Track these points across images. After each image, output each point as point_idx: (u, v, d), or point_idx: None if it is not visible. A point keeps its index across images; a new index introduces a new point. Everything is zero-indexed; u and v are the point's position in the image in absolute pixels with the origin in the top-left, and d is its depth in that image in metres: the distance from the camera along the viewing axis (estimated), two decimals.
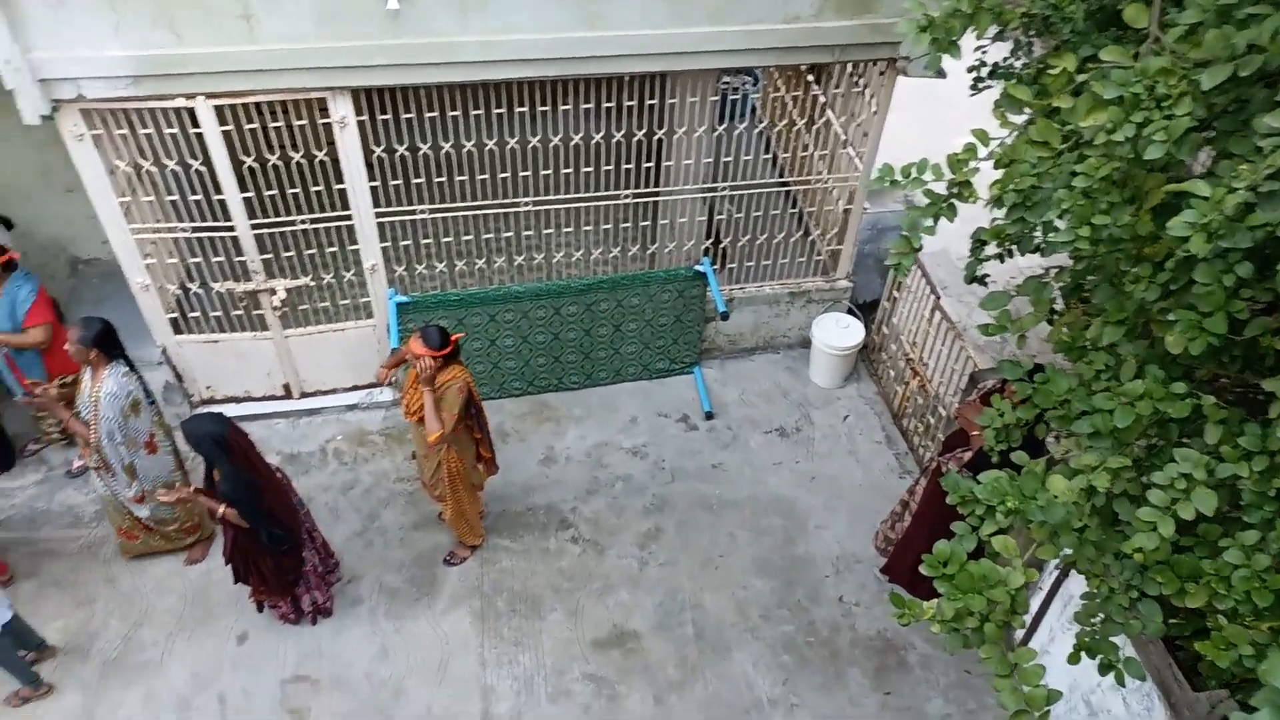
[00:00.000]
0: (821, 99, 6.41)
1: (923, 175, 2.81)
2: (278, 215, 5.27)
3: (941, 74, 5.14)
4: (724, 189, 6.00)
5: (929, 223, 2.87)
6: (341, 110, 4.91)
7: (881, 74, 5.59)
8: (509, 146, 5.50)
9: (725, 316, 5.89)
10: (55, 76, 4.45)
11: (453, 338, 4.54)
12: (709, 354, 6.70)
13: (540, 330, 6.06)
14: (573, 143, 5.57)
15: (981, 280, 3.58)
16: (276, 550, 4.56)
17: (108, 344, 4.55)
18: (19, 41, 4.26)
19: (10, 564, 5.22)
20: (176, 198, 5.18)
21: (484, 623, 5.14)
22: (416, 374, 4.55)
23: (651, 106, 5.51)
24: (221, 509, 4.34)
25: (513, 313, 5.93)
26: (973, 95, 4.81)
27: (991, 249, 3.46)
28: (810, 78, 6.52)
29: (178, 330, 5.68)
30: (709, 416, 6.31)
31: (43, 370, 5.24)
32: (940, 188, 2.88)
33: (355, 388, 6.28)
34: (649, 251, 6.42)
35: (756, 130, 6.11)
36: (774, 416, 6.35)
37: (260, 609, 5.04)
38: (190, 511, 5.20)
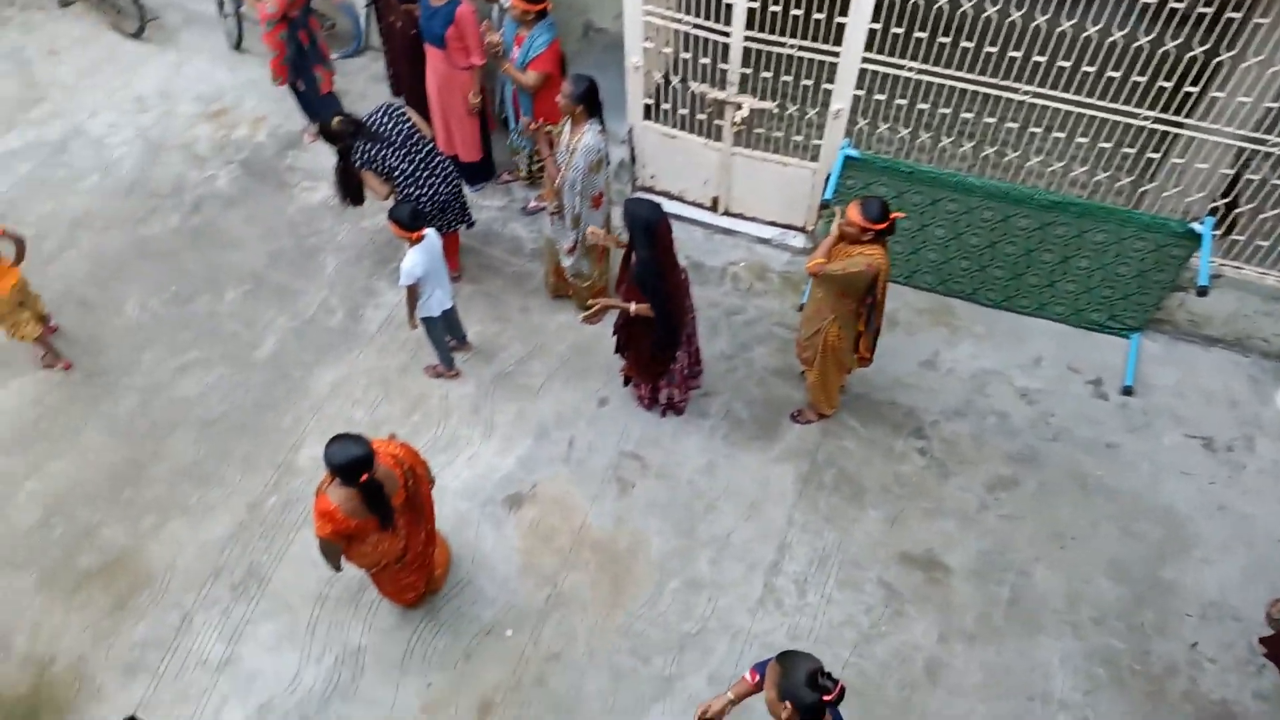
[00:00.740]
0: None
1: None
2: (772, 33, 5.26)
3: None
4: (1273, 144, 4.87)
5: None
6: None
7: None
8: (1035, 24, 4.88)
9: (1203, 292, 4.95)
10: None
11: (892, 215, 4.33)
12: (1157, 325, 5.75)
13: (978, 233, 5.57)
14: (1111, 39, 4.79)
15: None
16: (657, 340, 4.91)
17: (591, 102, 4.96)
18: None
19: (462, 266, 6.23)
20: None
21: (805, 486, 5.20)
22: (841, 234, 4.47)
23: (1229, 21, 4.52)
24: (633, 307, 4.71)
25: (958, 204, 5.49)
26: None
27: None
28: None
29: (647, 115, 6.08)
30: (1126, 391, 5.51)
31: (530, 112, 5.92)
32: None
33: (774, 224, 6.36)
34: (1140, 189, 5.51)
35: None
36: (1206, 422, 5.38)
37: (625, 384, 5.54)
38: (604, 274, 5.74)
